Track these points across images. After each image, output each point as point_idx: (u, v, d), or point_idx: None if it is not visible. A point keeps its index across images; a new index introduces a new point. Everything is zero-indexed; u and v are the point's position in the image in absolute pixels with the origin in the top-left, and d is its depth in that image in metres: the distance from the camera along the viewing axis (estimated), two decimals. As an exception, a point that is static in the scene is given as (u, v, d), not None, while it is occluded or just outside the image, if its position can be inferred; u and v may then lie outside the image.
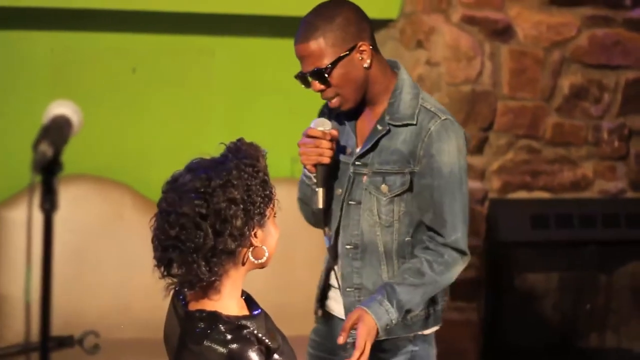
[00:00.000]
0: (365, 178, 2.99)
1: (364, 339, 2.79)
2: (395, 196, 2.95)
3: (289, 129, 5.04)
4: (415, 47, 4.88)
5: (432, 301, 3.05)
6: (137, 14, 4.78)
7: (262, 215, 2.31)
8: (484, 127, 4.92)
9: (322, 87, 2.90)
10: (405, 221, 2.97)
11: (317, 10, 2.93)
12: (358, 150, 3.01)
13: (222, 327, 2.25)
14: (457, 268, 2.97)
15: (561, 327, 5.19)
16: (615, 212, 5.12)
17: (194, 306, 2.33)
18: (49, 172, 1.59)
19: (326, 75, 2.87)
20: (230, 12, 4.81)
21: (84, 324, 4.47)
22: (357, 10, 2.95)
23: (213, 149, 2.38)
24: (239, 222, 2.25)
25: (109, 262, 4.61)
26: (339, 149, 3.03)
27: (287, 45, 5.03)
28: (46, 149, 1.58)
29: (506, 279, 5.03)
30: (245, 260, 2.33)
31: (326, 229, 3.08)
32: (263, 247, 2.34)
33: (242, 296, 2.41)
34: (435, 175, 2.91)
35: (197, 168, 2.31)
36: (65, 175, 4.49)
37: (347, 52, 2.88)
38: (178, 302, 2.37)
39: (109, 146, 4.91)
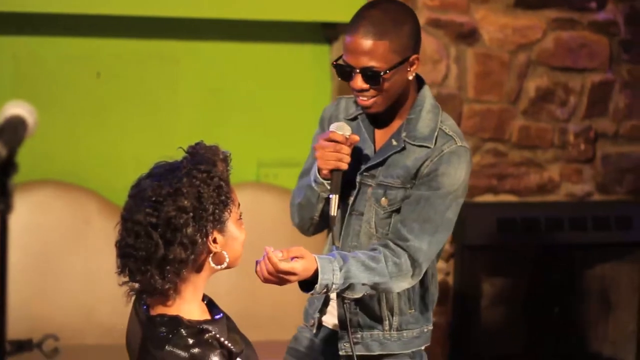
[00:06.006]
0: (370, 190, 2.92)
1: (293, 271, 2.63)
2: (393, 211, 2.90)
3: (255, 134, 5.06)
4: (381, 50, 4.87)
5: (427, 319, 3.05)
6: (101, 18, 4.76)
7: (218, 221, 2.29)
8: (451, 130, 4.91)
9: (367, 86, 2.81)
10: None
11: (386, 10, 2.83)
12: (369, 161, 2.94)
13: (183, 332, 2.23)
14: (404, 282, 2.85)
15: (529, 330, 5.20)
16: (582, 215, 5.13)
17: (155, 311, 2.31)
18: (3, 173, 1.57)
19: (380, 79, 2.79)
20: (195, 16, 4.80)
21: (48, 328, 4.45)
22: (418, 22, 2.90)
23: (178, 154, 2.35)
24: (189, 231, 2.23)
25: (74, 267, 4.58)
26: (355, 156, 2.91)
27: (252, 49, 5.10)
28: (0, 149, 1.56)
29: (473, 282, 5.03)
30: (205, 266, 2.32)
31: (330, 236, 2.97)
32: (223, 252, 2.32)
33: (203, 300, 2.39)
34: (430, 189, 2.84)
35: (155, 174, 2.30)
36: (29, 181, 4.52)
37: (403, 61, 2.82)
38: (139, 307, 2.36)
39: (74, 151, 4.88)
